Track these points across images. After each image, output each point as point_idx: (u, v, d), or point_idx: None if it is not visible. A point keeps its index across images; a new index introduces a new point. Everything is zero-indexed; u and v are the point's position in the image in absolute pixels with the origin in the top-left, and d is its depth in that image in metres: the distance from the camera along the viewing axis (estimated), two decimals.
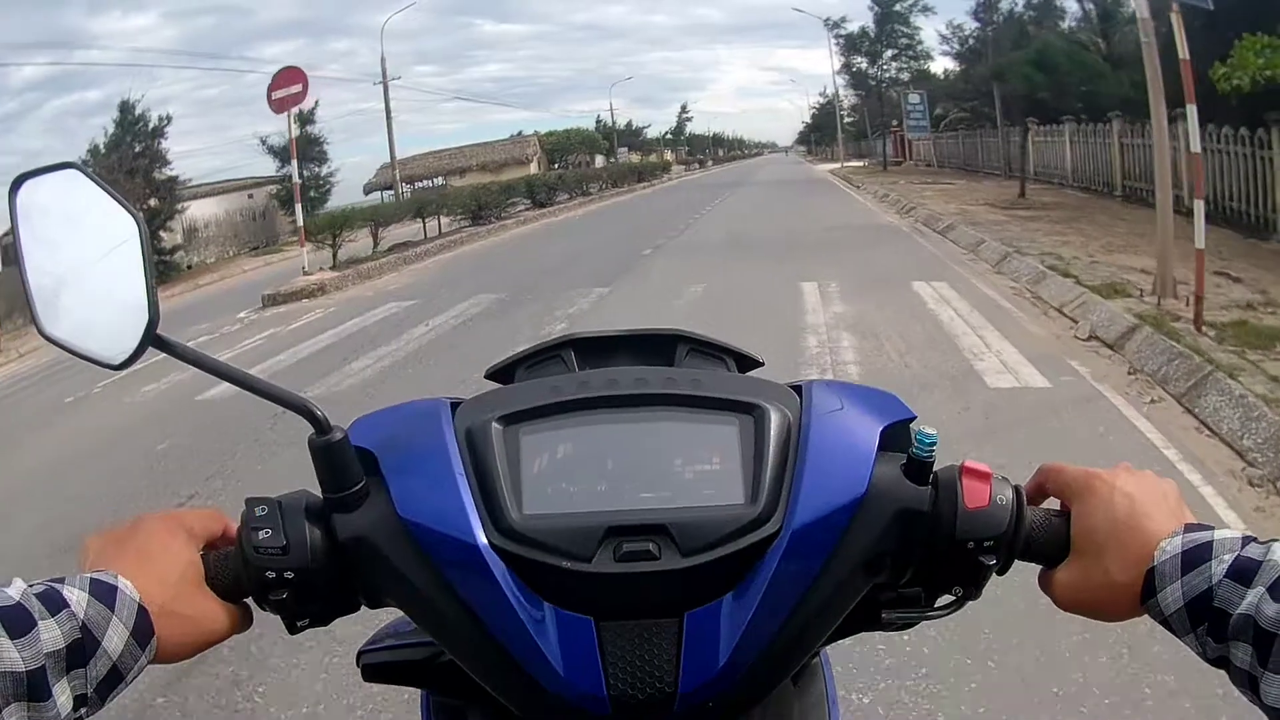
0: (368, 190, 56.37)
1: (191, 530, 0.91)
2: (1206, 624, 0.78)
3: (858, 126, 71.20)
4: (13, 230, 0.88)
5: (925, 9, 45.70)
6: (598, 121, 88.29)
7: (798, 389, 0.98)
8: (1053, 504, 0.96)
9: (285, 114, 20.64)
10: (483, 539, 0.85)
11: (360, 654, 1.11)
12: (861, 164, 58.52)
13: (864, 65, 48.80)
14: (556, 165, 70.16)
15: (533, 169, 62.95)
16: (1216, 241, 11.95)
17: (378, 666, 1.10)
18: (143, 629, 0.80)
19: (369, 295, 15.72)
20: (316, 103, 33.31)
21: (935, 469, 0.92)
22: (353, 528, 0.90)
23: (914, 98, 45.63)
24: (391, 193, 44.43)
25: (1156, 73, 9.83)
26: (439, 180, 60.86)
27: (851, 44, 48.96)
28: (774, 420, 0.91)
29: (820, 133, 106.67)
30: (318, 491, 0.93)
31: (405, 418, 0.97)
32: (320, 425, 0.89)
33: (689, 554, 0.85)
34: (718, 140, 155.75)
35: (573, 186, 37.29)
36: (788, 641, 0.88)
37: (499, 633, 0.85)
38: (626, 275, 14.62)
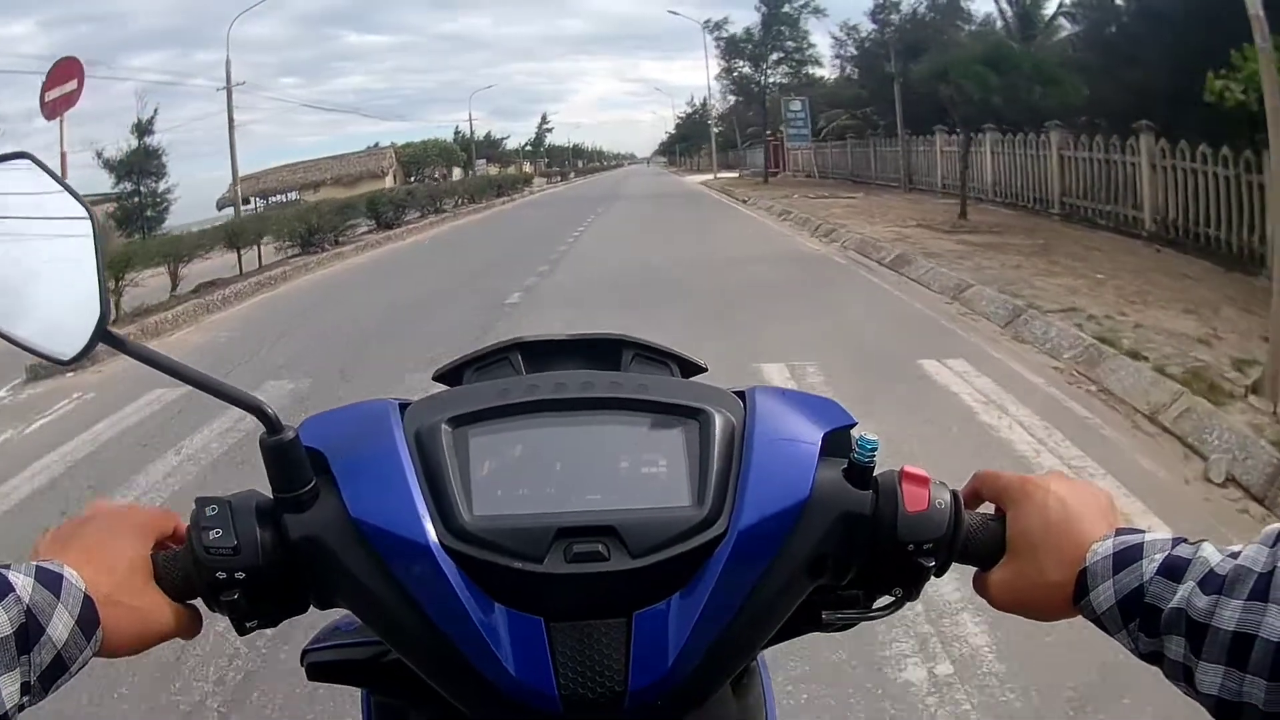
0: (221, 206, 51.30)
1: (142, 526, 0.90)
2: (1138, 620, 0.80)
3: (725, 136, 68.27)
4: None
5: (816, 10, 42.33)
6: (456, 133, 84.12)
7: (741, 395, 0.98)
8: (988, 509, 0.97)
9: (61, 119, 16.08)
10: (434, 539, 0.85)
11: (305, 652, 1.11)
12: (735, 175, 55.35)
13: (747, 69, 45.12)
14: (413, 178, 66.78)
15: (388, 182, 60.14)
16: (1202, 276, 10.85)
17: (322, 665, 1.09)
18: (88, 618, 0.79)
19: (143, 371, 10.99)
20: (156, 110, 28.46)
21: (875, 474, 0.93)
22: (304, 528, 0.89)
23: (795, 104, 42.92)
24: (249, 207, 41.03)
25: (1276, 86, 6.96)
26: (293, 195, 57.40)
27: (734, 47, 45.05)
28: (719, 425, 0.92)
29: (686, 143, 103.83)
30: (267, 492, 0.92)
31: (354, 418, 0.96)
32: (272, 424, 0.88)
33: (638, 555, 0.85)
34: (577, 151, 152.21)
35: (425, 203, 32.64)
36: (733, 640, 0.88)
37: (450, 633, 0.85)
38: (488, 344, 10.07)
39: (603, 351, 1.12)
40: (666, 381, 1.04)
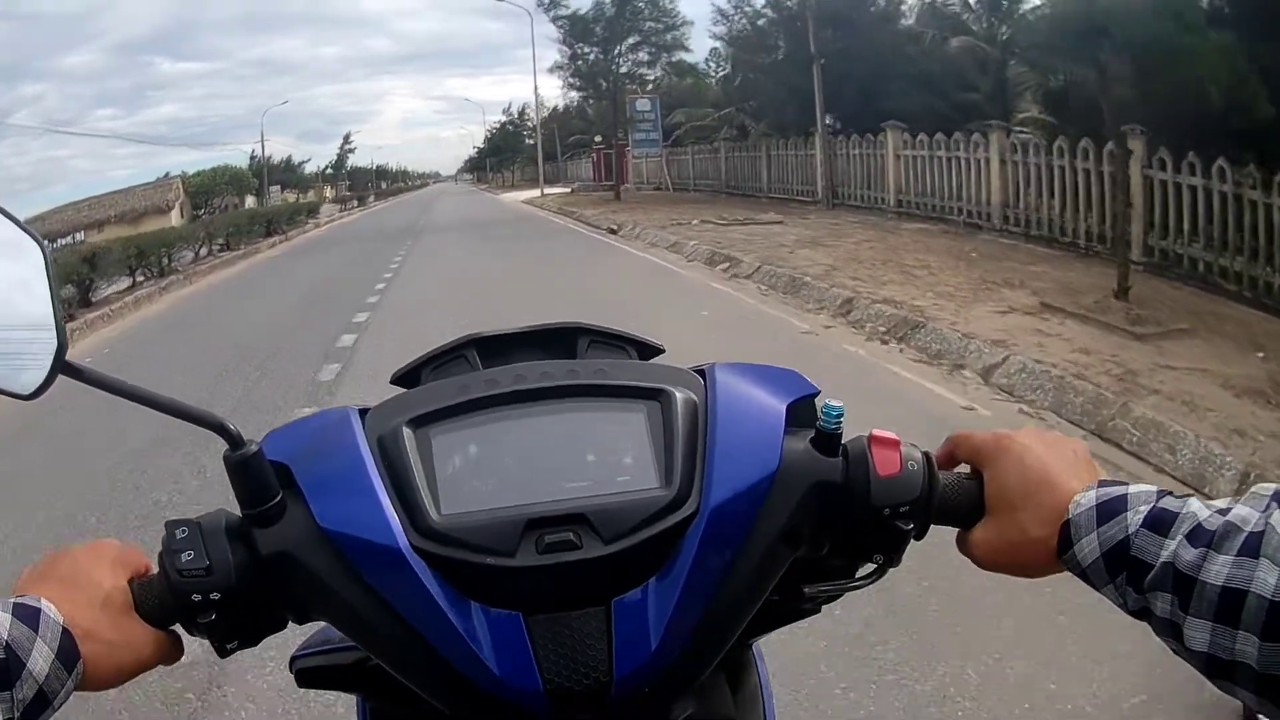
0: None
1: (117, 559, 0.87)
2: (1125, 573, 0.76)
3: (544, 147, 58.37)
4: None
5: None
6: (252, 158, 71.82)
7: (701, 372, 0.95)
8: (964, 469, 0.94)
9: None
10: (404, 542, 0.81)
11: (293, 659, 1.07)
12: (566, 190, 44.96)
13: (595, 56, 33.58)
14: (202, 210, 54.92)
15: (174, 216, 49.61)
16: None
17: (311, 671, 1.06)
18: (68, 651, 0.77)
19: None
20: None
21: (844, 440, 0.91)
22: (274, 543, 0.85)
23: (643, 103, 34.00)
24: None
25: None
26: (78, 236, 47.11)
27: (580, 28, 33.09)
28: (680, 404, 0.89)
29: (498, 157, 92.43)
30: (236, 510, 0.88)
31: (316, 429, 0.93)
32: (234, 440, 0.85)
33: (611, 540, 0.82)
34: (381, 173, 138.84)
35: (131, 264, 18.25)
36: (716, 620, 0.85)
37: (428, 636, 0.81)
38: None
39: (558, 340, 1.06)
40: (624, 365, 1.00)
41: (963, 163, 16.00)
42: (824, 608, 1.01)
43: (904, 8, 24.43)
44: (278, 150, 66.63)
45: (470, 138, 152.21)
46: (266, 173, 64.97)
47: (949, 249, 13.04)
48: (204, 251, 24.64)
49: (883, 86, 21.28)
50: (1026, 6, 20.69)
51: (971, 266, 11.44)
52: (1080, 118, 12.62)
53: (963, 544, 0.91)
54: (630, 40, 32.36)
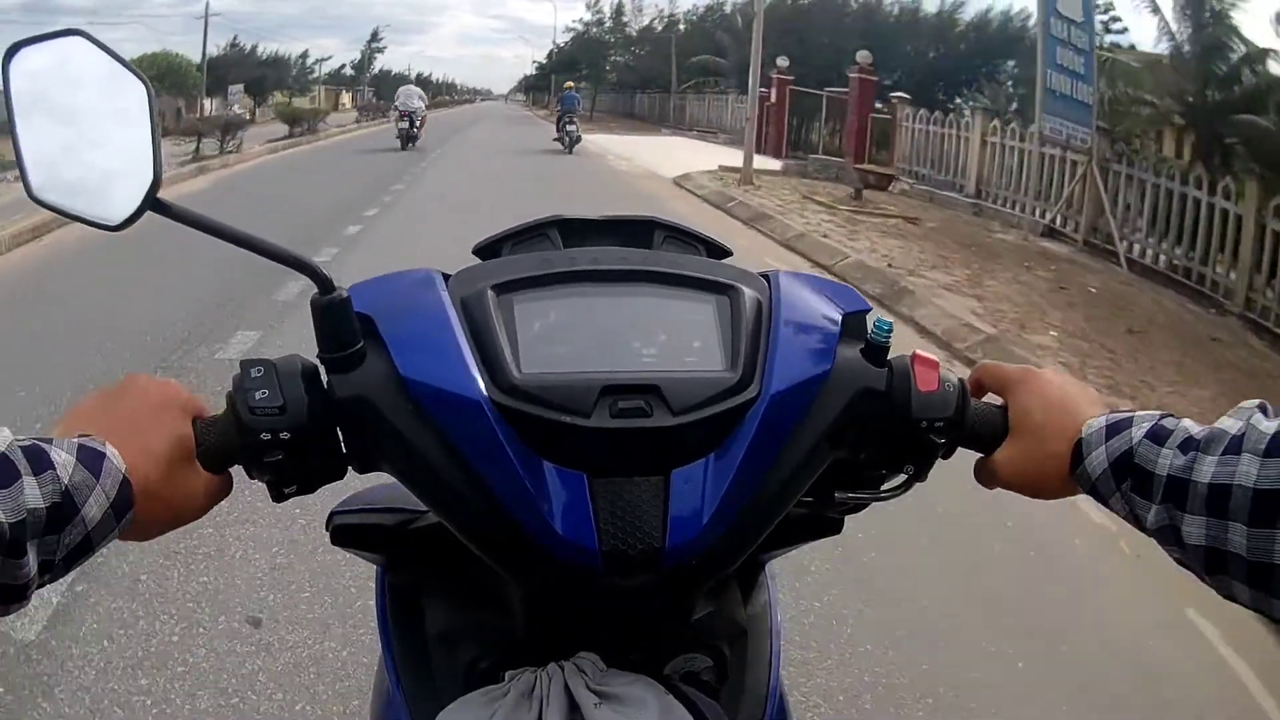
0: None
1: (185, 403, 0.84)
2: (1129, 481, 0.81)
3: (643, 73, 35.18)
4: (5, 96, 0.80)
5: None
6: (237, 46, 49.06)
7: (766, 277, 0.98)
8: (990, 400, 0.97)
9: None
10: (484, 395, 0.82)
11: (332, 515, 1.08)
12: (773, 170, 19.35)
13: None
14: None
15: None
16: None
17: (347, 529, 1.06)
18: (123, 502, 0.74)
19: None
20: None
21: (889, 356, 0.93)
22: (351, 387, 0.85)
23: (1070, 6, 11.36)
24: None
25: None
26: None
27: None
28: (748, 300, 0.91)
29: (572, 74, 66.34)
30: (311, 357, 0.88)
31: (401, 285, 0.93)
32: (324, 284, 0.85)
33: (679, 413, 0.84)
34: (421, 82, 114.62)
35: None
36: (763, 503, 0.88)
37: (496, 488, 0.83)
38: None
39: (635, 232, 1.06)
40: (697, 260, 1.00)
41: None
42: None
43: None
44: (206, 26, 41.88)
45: (530, 58, 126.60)
46: (206, 67, 41.39)
47: None
48: None
49: None
50: None
51: None
52: None
53: (981, 469, 0.95)
54: None
